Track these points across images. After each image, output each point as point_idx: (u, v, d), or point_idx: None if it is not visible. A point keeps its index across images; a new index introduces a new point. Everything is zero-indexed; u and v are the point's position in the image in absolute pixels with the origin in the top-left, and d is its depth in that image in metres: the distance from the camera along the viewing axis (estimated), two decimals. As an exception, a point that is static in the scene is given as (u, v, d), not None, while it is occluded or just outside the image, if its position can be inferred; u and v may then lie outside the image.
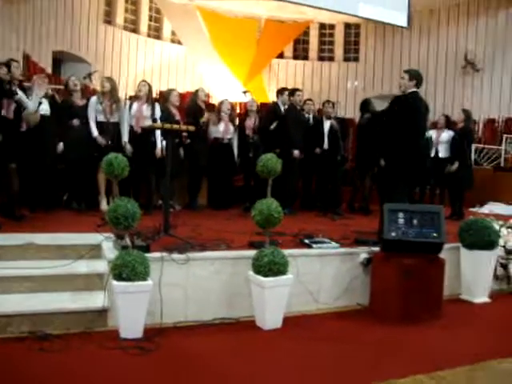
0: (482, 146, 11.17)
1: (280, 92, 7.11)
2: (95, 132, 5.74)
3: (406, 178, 4.73)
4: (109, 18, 13.41)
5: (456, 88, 13.96)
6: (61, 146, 5.70)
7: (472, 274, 4.64)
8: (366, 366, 3.10)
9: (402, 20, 13.37)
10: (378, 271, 4.20)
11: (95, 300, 3.55)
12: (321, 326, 3.83)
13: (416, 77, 4.83)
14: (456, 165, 6.85)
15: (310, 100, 7.60)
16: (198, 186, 6.74)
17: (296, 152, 6.57)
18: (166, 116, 5.85)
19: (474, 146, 8.69)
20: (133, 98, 6.36)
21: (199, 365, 3.02)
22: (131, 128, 5.90)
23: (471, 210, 8.02)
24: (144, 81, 6.27)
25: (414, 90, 4.79)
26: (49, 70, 10.72)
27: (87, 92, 6.08)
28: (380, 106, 5.12)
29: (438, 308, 4.13)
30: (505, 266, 4.94)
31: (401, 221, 4.11)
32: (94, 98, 5.81)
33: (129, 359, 3.02)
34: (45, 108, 5.44)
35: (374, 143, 7.03)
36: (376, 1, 12.60)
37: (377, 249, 4.31)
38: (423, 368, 3.06)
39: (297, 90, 7.12)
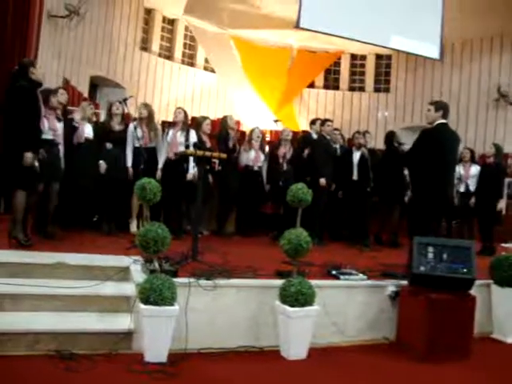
0: (514, 180, 10.96)
1: (313, 122, 7.23)
2: (129, 162, 5.87)
3: (432, 211, 4.67)
4: (145, 45, 13.80)
5: (488, 121, 13.79)
6: (102, 164, 5.80)
7: (504, 312, 4.51)
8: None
9: (433, 52, 13.35)
10: (405, 305, 4.13)
11: (121, 322, 3.58)
12: (345, 359, 3.78)
13: (442, 107, 4.78)
14: (502, 203, 6.76)
15: (336, 129, 7.61)
16: (227, 213, 6.78)
17: (322, 180, 6.55)
18: (198, 143, 5.94)
19: (506, 181, 8.52)
20: (168, 125, 6.49)
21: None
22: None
23: (503, 245, 7.83)
24: (180, 107, 6.40)
25: (442, 121, 4.75)
26: (85, 94, 11.05)
27: (125, 117, 6.24)
28: (409, 137, 5.08)
29: (467, 346, 4.02)
30: (538, 305, 4.78)
31: (430, 255, 4.05)
32: (131, 125, 5.95)
33: (152, 383, 3.02)
34: (87, 131, 5.65)
35: (399, 176, 7.00)
36: (408, 32, 12.62)
37: (405, 282, 4.25)
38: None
39: (327, 120, 7.16)
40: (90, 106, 5.84)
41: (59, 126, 5.10)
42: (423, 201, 4.70)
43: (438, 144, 4.66)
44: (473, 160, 7.38)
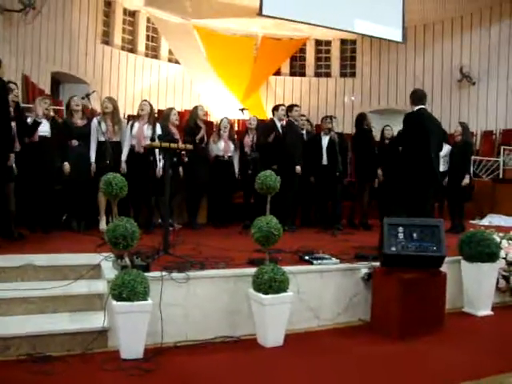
0: (480, 158, 11.20)
1: (275, 108, 7.15)
2: (93, 157, 5.77)
3: (422, 191, 4.81)
4: (106, 39, 13.53)
5: (453, 101, 14.04)
6: (66, 165, 5.69)
7: (474, 287, 4.61)
8: (368, 383, 3.06)
9: (397, 35, 13.49)
10: (378, 286, 4.18)
11: (95, 321, 3.52)
12: (322, 343, 3.81)
13: (412, 95, 5.18)
14: (467, 178, 6.88)
15: (302, 115, 7.63)
16: (197, 205, 6.74)
17: (298, 168, 6.60)
18: (166, 135, 5.87)
19: (472, 159, 8.70)
20: (133, 118, 6.38)
21: (200, 383, 2.99)
22: (132, 148, 5.91)
23: (471, 222, 8.02)
24: (145, 100, 6.30)
25: (421, 106, 4.98)
26: (47, 91, 10.79)
27: (87, 112, 6.10)
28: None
29: (440, 322, 4.11)
30: (507, 278, 4.91)
31: (400, 235, 4.11)
32: (95, 120, 5.82)
33: (129, 380, 2.99)
34: (44, 129, 5.47)
35: (372, 158, 7.09)
36: (371, 17, 12.72)
37: (377, 264, 4.30)
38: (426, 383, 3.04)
39: (295, 105, 7.17)
40: (45, 101, 5.66)
41: (12, 125, 4.90)
42: (413, 182, 4.87)
43: (418, 125, 4.98)
44: (444, 140, 7.47)
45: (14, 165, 5.07)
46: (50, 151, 5.58)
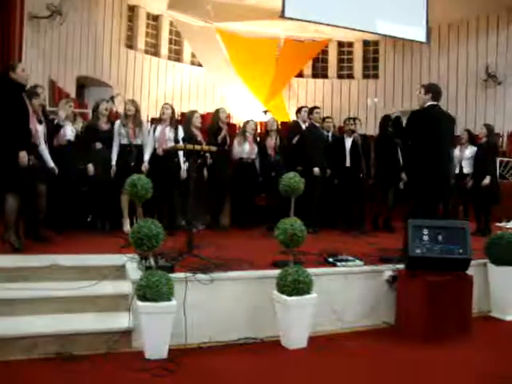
0: (506, 159, 10.99)
1: (299, 110, 7.25)
2: (114, 159, 5.84)
3: (428, 194, 4.67)
4: (130, 43, 13.70)
5: (478, 102, 13.81)
6: (90, 167, 5.77)
7: (501, 291, 4.52)
8: (394, 387, 3.03)
9: (420, 35, 13.33)
10: (403, 289, 4.13)
11: (120, 321, 3.56)
12: (346, 346, 3.77)
13: (431, 90, 4.81)
14: (488, 179, 6.75)
15: (329, 118, 7.62)
16: (220, 206, 6.76)
17: (316, 170, 6.57)
18: (189, 138, 5.90)
19: (498, 160, 8.55)
20: (156, 121, 6.44)
21: (224, 386, 2.99)
22: (154, 151, 5.97)
23: (498, 224, 7.86)
24: (167, 103, 6.35)
25: (432, 103, 4.75)
26: (73, 95, 10.97)
27: (111, 116, 6.18)
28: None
29: (467, 326, 4.04)
30: (535, 282, 4.80)
31: (425, 237, 4.05)
32: (117, 123, 5.89)
33: (153, 380, 3.01)
34: (69, 133, 5.57)
35: (395, 161, 7.00)
36: (394, 17, 12.60)
37: (402, 266, 4.25)
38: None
39: (315, 107, 7.15)
40: (69, 104, 5.75)
41: (40, 128, 5.01)
42: (420, 184, 4.71)
43: (427, 125, 4.67)
44: (471, 141, 7.33)
45: (52, 165, 5.17)
46: (75, 154, 5.70)
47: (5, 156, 4.31)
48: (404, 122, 4.95)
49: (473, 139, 7.37)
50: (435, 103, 4.76)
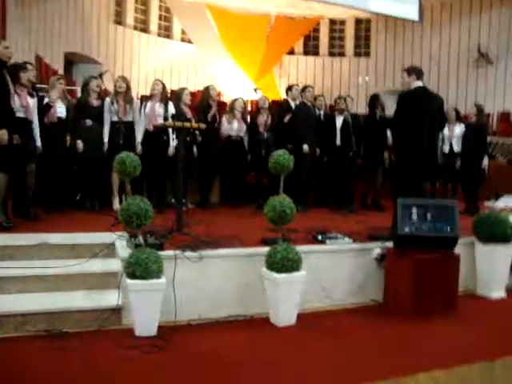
0: (496, 139, 11.03)
1: (289, 89, 7.16)
2: (106, 137, 5.77)
3: (415, 172, 4.68)
4: (119, 19, 13.46)
5: (469, 81, 13.80)
6: (80, 144, 5.70)
7: (487, 269, 4.58)
8: (381, 362, 3.08)
9: (413, 14, 13.23)
10: (391, 267, 4.17)
11: (109, 298, 3.58)
12: (335, 323, 3.82)
13: (413, 71, 4.82)
14: (486, 160, 6.82)
15: (320, 96, 7.57)
16: (209, 184, 6.75)
17: (305, 147, 6.54)
18: (178, 115, 5.85)
19: (488, 140, 8.57)
20: (146, 98, 6.36)
21: (212, 361, 3.02)
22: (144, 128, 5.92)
23: (486, 204, 7.93)
24: (157, 80, 6.28)
25: (419, 84, 4.75)
26: (61, 72, 10.79)
27: (101, 93, 6.09)
28: (390, 100, 5.06)
29: (453, 303, 4.10)
30: (521, 261, 4.87)
31: (414, 216, 4.08)
32: (108, 100, 5.82)
33: (143, 357, 3.03)
34: (59, 110, 5.50)
35: (381, 139, 7.00)
36: (386, -5, 12.49)
37: (390, 244, 4.28)
38: (439, 363, 3.04)
39: (308, 86, 7.10)
40: (60, 81, 5.66)
41: (32, 102, 4.94)
42: (406, 162, 4.72)
43: (414, 106, 4.67)
44: (458, 119, 7.37)
45: (39, 144, 5.12)
46: (65, 132, 5.65)
47: None
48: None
49: (460, 117, 7.40)
50: (421, 84, 4.76)
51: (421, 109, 4.66)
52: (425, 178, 4.83)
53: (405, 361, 3.11)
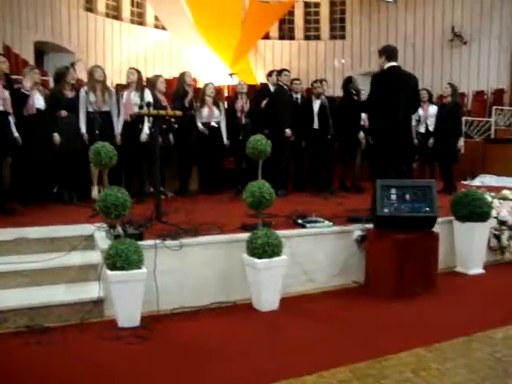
0: (471, 118, 11.17)
1: (270, 74, 7.23)
2: (83, 128, 5.68)
3: (393, 153, 4.71)
4: (89, 6, 13.18)
5: (444, 61, 13.91)
6: (57, 137, 5.58)
7: (466, 247, 4.66)
8: (363, 343, 3.12)
9: (387, -5, 13.26)
10: (372, 248, 4.21)
11: (90, 291, 3.54)
12: (317, 306, 3.85)
13: (384, 51, 4.81)
14: (462, 141, 6.91)
15: (297, 80, 7.55)
16: (188, 172, 6.70)
17: (288, 131, 6.54)
18: (154, 102, 5.77)
19: (463, 119, 8.67)
20: (122, 87, 6.26)
21: (197, 349, 3.02)
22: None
23: (463, 182, 8.05)
24: (132, 68, 6.19)
25: (391, 64, 4.75)
26: (31, 62, 10.54)
27: (75, 83, 5.97)
28: (367, 82, 5.06)
29: (434, 281, 4.16)
30: (498, 237, 4.96)
31: (393, 197, 4.11)
32: (83, 91, 5.70)
33: (126, 348, 3.02)
34: (40, 102, 5.38)
35: (357, 121, 7.03)
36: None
37: (370, 226, 4.31)
38: (421, 341, 3.09)
39: (284, 70, 7.06)
40: (34, 71, 5.53)
41: (6, 93, 4.83)
42: (382, 144, 4.75)
43: (387, 86, 4.68)
44: (430, 100, 7.50)
45: (16, 134, 5.02)
46: (44, 124, 5.50)
47: None
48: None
49: (431, 99, 7.52)
50: (394, 64, 4.75)
51: (394, 89, 4.67)
52: (403, 159, 4.85)
53: (388, 340, 3.15)
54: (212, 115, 6.64)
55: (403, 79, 4.78)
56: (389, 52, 4.78)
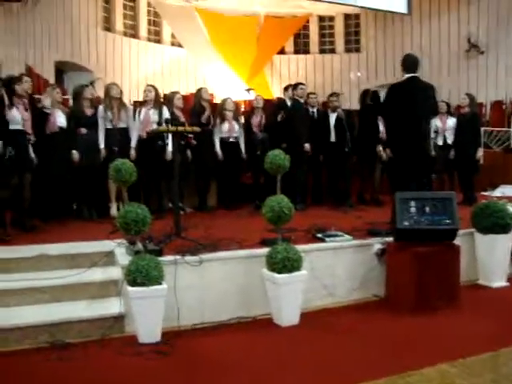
0: (490, 129, 11.04)
1: (286, 89, 7.25)
2: (102, 143, 5.75)
3: (413, 166, 4.68)
4: (108, 25, 13.42)
5: (461, 72, 13.80)
6: (75, 154, 5.64)
7: (488, 259, 4.59)
8: (385, 358, 3.07)
9: (401, 6, 13.23)
10: (392, 261, 4.17)
11: (111, 307, 3.56)
12: (338, 320, 3.81)
13: (403, 62, 4.81)
14: (480, 152, 6.85)
15: (312, 93, 7.55)
16: (206, 187, 6.72)
17: (307, 145, 6.54)
18: (171, 119, 5.83)
19: (482, 130, 8.58)
20: (139, 104, 6.33)
21: (217, 365, 3.01)
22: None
23: (483, 193, 7.94)
24: (149, 85, 6.24)
25: (410, 75, 4.73)
26: (52, 81, 10.76)
27: (93, 101, 6.07)
28: (383, 95, 5.05)
29: (456, 295, 4.09)
30: (521, 249, 4.87)
31: (413, 209, 4.08)
32: (101, 108, 5.80)
33: (147, 364, 3.02)
34: (60, 120, 5.49)
35: (375, 133, 7.00)
36: (374, -11, 12.50)
37: (390, 239, 4.27)
38: (444, 357, 3.04)
39: (300, 83, 7.08)
40: (56, 90, 5.64)
41: (27, 114, 4.93)
42: (400, 156, 4.73)
43: (403, 98, 4.66)
44: (449, 112, 7.44)
45: (33, 155, 5.09)
46: (65, 141, 5.57)
47: None
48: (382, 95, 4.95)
49: (450, 111, 7.47)
50: (412, 75, 4.74)
51: (412, 101, 4.66)
52: (423, 171, 4.82)
53: (410, 355, 3.10)
54: (233, 130, 6.66)
55: (422, 90, 4.76)
56: (407, 63, 4.78)
